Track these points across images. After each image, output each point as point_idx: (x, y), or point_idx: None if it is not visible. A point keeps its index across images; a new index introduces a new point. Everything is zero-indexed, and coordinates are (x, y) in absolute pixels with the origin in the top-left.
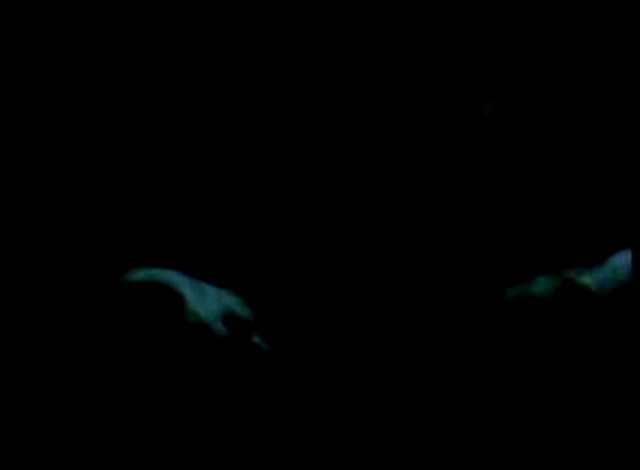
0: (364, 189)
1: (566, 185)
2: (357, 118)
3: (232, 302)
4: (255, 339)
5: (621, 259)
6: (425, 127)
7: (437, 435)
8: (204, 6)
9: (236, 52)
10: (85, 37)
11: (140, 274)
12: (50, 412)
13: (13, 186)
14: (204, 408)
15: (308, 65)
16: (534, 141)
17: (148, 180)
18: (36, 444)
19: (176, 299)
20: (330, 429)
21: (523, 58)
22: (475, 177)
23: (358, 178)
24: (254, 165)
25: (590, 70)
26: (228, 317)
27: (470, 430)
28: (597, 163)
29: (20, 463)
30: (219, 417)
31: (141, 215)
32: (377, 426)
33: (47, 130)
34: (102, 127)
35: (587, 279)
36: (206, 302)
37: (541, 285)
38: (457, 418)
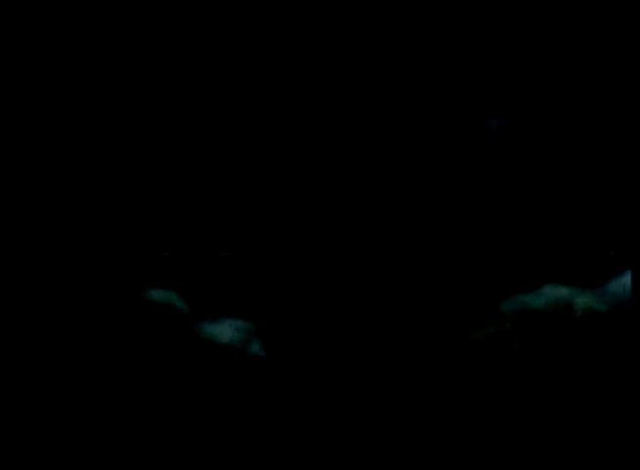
0: (368, 206)
1: (568, 199)
2: (358, 132)
3: (243, 328)
4: (254, 348)
5: (623, 278)
6: (426, 141)
7: (436, 448)
8: (204, 6)
9: (237, 52)
10: (85, 37)
11: (159, 294)
12: (57, 418)
13: (32, 200)
14: (201, 416)
15: (312, 81)
16: (541, 157)
17: (167, 199)
18: (41, 446)
19: (182, 317)
20: (327, 437)
21: (528, 72)
22: (476, 190)
23: (362, 197)
24: (258, 178)
25: (599, 87)
26: (229, 327)
27: (468, 443)
28: (601, 179)
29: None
30: (217, 425)
31: (159, 233)
32: (375, 436)
33: (69, 141)
34: (118, 142)
35: (588, 296)
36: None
37: (541, 298)
38: (455, 433)
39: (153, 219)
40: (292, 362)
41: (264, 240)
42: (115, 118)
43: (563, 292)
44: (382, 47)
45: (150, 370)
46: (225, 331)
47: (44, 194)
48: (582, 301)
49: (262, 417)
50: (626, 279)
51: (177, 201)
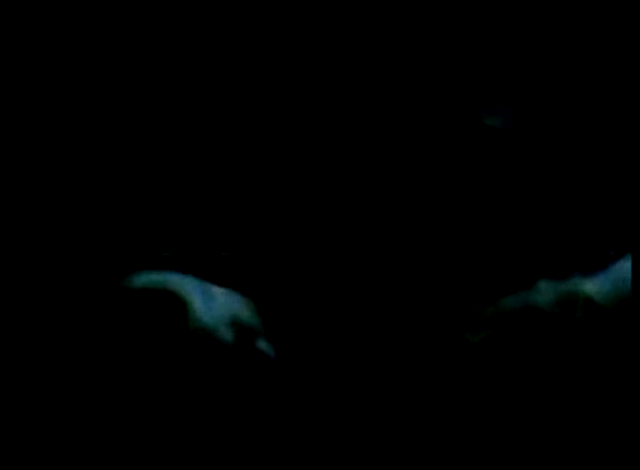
0: (365, 207)
1: (568, 191)
2: (351, 130)
3: (241, 306)
4: (261, 344)
5: (623, 267)
6: (422, 138)
7: (438, 449)
8: (203, 6)
9: (235, 51)
10: (84, 37)
11: (142, 279)
12: (47, 420)
13: (11, 186)
14: (205, 415)
15: (309, 81)
16: (547, 155)
17: (155, 182)
18: (33, 447)
19: (179, 305)
20: (334, 437)
21: (534, 65)
22: (475, 187)
23: (358, 198)
24: (259, 169)
25: (604, 84)
26: (234, 323)
27: (471, 446)
28: (601, 169)
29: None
30: (221, 424)
31: (150, 217)
32: (382, 435)
33: (45, 129)
34: (100, 127)
35: (590, 288)
36: (214, 307)
37: (542, 295)
38: (455, 435)
39: (150, 216)
40: (299, 361)
41: (265, 238)
42: (113, 113)
43: (562, 285)
44: (370, 37)
45: (138, 367)
46: (228, 325)
47: (30, 182)
48: (583, 292)
49: (268, 420)
50: (626, 265)
51: (175, 199)
